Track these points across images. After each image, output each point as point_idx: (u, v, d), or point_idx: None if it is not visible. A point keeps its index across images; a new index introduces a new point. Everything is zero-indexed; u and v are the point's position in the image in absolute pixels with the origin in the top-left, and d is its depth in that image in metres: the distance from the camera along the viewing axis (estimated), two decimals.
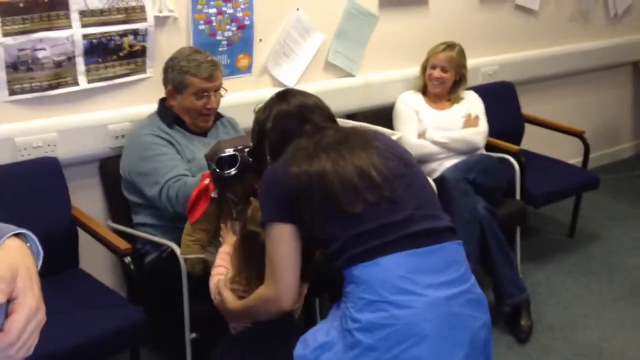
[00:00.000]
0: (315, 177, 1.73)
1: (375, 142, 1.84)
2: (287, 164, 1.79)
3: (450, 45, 3.41)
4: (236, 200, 2.21)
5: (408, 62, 3.61)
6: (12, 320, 0.83)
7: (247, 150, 2.14)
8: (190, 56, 2.59)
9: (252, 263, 1.91)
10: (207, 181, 2.25)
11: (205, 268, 2.24)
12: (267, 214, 1.80)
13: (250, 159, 2.13)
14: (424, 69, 3.48)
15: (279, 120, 1.92)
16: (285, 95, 2.00)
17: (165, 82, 2.63)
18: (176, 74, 2.57)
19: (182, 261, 2.34)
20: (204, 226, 2.25)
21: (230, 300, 1.95)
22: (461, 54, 3.43)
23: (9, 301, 0.84)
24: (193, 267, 2.30)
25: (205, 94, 2.58)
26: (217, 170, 2.15)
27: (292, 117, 1.92)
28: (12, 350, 0.82)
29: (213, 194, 2.22)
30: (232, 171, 2.13)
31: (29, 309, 0.84)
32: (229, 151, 2.14)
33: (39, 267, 0.93)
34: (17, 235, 0.92)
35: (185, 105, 2.59)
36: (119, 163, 2.77)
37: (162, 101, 2.68)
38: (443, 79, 3.40)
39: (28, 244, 0.93)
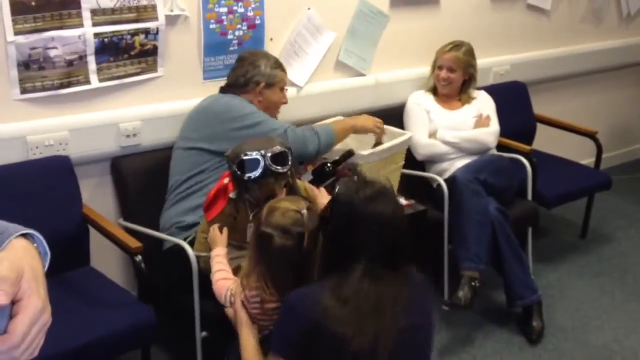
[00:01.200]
0: (337, 333, 1.64)
1: (416, 326, 1.74)
2: (319, 294, 1.69)
3: (457, 45, 3.39)
4: (254, 203, 2.19)
5: (419, 61, 3.59)
6: (16, 322, 0.81)
7: (270, 154, 2.12)
8: (265, 53, 2.82)
9: (264, 264, 1.90)
10: (226, 180, 2.23)
11: None
12: (275, 343, 1.75)
13: (274, 166, 2.11)
14: (433, 69, 3.47)
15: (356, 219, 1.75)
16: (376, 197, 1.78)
17: (250, 80, 2.71)
18: (269, 70, 2.72)
19: (192, 259, 2.34)
20: (219, 225, 2.25)
21: (246, 341, 1.90)
22: (469, 53, 3.41)
23: (14, 303, 0.82)
24: (206, 265, 2.29)
25: (285, 87, 2.81)
26: (238, 172, 2.13)
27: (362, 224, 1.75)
28: (16, 352, 0.81)
29: (231, 195, 2.20)
30: (253, 175, 2.12)
31: (34, 310, 0.83)
32: (252, 154, 2.11)
33: (46, 267, 0.92)
34: (24, 235, 0.91)
35: (274, 99, 2.76)
36: (130, 161, 2.78)
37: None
38: (450, 80, 3.38)
39: (35, 245, 0.92)
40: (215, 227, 2.21)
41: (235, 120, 2.56)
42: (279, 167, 2.12)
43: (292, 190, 2.19)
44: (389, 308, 1.69)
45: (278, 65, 2.78)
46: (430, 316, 1.84)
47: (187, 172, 2.61)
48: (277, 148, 2.14)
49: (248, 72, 2.72)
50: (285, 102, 2.83)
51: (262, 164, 2.10)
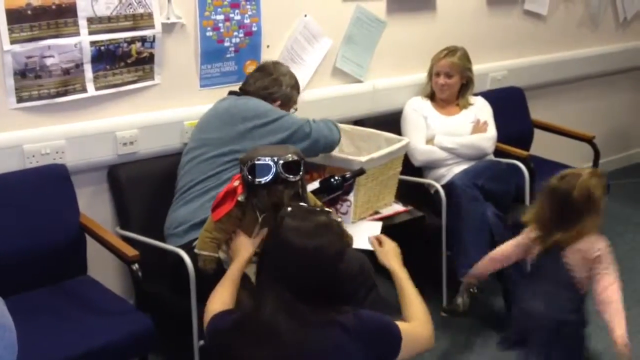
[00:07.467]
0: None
1: None
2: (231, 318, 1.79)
3: (452, 51, 3.40)
4: (262, 208, 2.19)
5: (416, 67, 3.60)
6: None
7: (282, 162, 2.12)
8: (288, 71, 2.86)
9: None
10: (236, 183, 2.23)
11: (218, 267, 2.23)
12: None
13: (285, 174, 2.10)
14: (430, 76, 3.47)
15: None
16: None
17: (269, 96, 2.75)
18: (289, 90, 2.81)
19: (190, 268, 2.34)
20: (225, 226, 2.24)
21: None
22: (464, 57, 3.41)
23: None
24: (205, 265, 2.28)
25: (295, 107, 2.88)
26: (249, 176, 2.13)
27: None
28: None
29: (240, 197, 2.20)
30: (263, 180, 2.11)
31: None
32: (264, 160, 2.11)
33: None
34: None
35: None
36: (127, 170, 2.77)
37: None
38: (449, 85, 3.39)
39: None
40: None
41: (258, 117, 2.58)
42: (290, 176, 2.11)
43: (302, 202, 2.18)
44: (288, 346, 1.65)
45: (297, 87, 2.87)
46: None
47: (205, 174, 2.60)
48: (291, 156, 2.13)
49: (269, 87, 2.76)
50: None
51: (273, 170, 2.10)
